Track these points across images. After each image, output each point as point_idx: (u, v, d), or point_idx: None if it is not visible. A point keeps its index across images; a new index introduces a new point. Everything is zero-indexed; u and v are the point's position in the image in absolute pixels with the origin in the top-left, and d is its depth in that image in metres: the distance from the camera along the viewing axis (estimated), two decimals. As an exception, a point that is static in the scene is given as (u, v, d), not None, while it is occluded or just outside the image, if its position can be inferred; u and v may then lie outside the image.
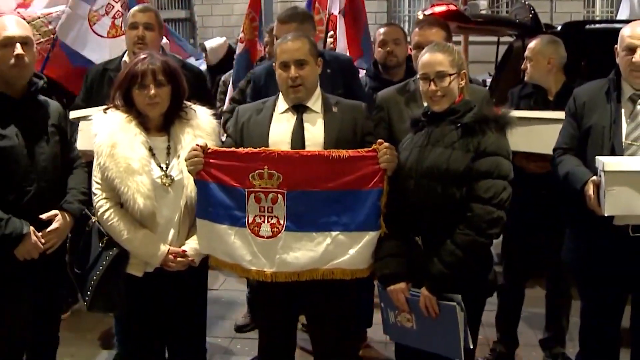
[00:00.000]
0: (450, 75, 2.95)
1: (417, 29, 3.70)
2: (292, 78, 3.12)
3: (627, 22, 3.47)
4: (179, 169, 3.11)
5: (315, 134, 3.15)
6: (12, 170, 3.02)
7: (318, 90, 3.27)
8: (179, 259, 3.09)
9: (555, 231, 3.91)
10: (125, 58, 4.07)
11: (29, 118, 3.12)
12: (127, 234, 3.04)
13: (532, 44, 4.24)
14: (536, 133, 3.65)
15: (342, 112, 3.21)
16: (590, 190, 3.08)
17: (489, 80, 7.33)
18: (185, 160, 3.02)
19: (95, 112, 3.24)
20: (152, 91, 3.03)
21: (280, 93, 3.26)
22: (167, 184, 3.09)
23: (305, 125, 3.17)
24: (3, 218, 2.94)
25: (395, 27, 4.55)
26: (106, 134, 3.07)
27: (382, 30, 4.45)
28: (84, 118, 3.42)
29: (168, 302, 3.18)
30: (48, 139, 3.18)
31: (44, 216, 3.07)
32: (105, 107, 3.19)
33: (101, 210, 3.07)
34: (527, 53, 4.21)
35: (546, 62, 4.15)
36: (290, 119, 3.19)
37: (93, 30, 5.07)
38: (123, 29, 4.92)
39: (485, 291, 3.13)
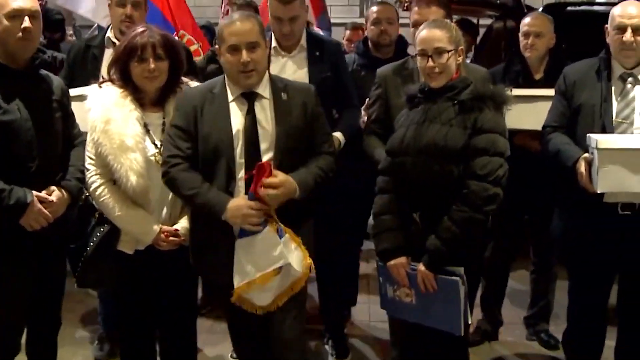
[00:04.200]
0: (448, 51, 2.96)
1: (416, 8, 3.69)
2: (244, 63, 2.87)
3: (608, 4, 3.49)
4: None
5: (266, 126, 2.96)
6: (13, 145, 2.93)
7: (267, 74, 3.06)
8: (170, 237, 3.05)
9: (543, 210, 3.97)
10: (109, 34, 4.00)
11: (32, 92, 3.01)
12: (118, 211, 3.00)
13: (537, 20, 4.15)
14: (540, 111, 3.63)
15: (291, 98, 3.02)
16: (582, 167, 3.12)
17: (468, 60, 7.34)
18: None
19: (86, 91, 3.19)
20: (152, 65, 2.99)
21: (226, 79, 3.03)
22: (160, 162, 3.01)
23: (257, 115, 2.96)
24: (5, 189, 2.86)
25: (389, 6, 4.52)
26: (100, 109, 3.03)
27: (374, 8, 4.43)
28: (75, 98, 3.34)
29: (158, 280, 3.16)
30: (51, 114, 3.08)
31: (40, 194, 2.97)
32: (100, 81, 3.14)
33: (94, 186, 3.04)
34: (533, 28, 4.10)
35: (550, 39, 4.13)
36: (241, 108, 2.97)
37: None
38: None
39: (481, 268, 3.15)
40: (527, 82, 4.08)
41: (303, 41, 3.89)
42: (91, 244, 3.05)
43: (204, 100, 2.96)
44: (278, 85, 3.03)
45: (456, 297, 2.91)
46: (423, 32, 3.03)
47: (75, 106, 3.28)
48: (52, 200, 2.99)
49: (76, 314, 4.76)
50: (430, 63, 2.96)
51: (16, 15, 2.91)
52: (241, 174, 2.91)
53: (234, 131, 2.91)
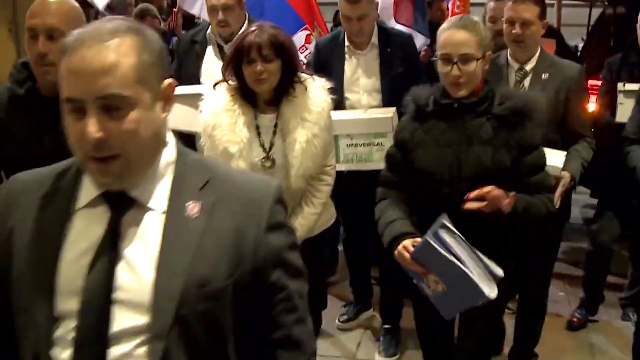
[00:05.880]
0: (477, 59, 2.60)
1: (510, 3, 3.45)
2: (89, 141, 1.35)
3: None
4: (283, 151, 3.01)
5: (140, 282, 1.41)
6: None
7: (172, 150, 1.53)
8: None
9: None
10: (209, 32, 3.96)
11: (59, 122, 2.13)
12: None
13: None
14: None
15: (214, 213, 1.47)
16: None
17: (581, 45, 7.20)
18: None
19: (202, 90, 3.20)
20: (259, 67, 2.89)
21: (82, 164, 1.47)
22: (268, 166, 3.02)
23: (126, 252, 1.43)
24: None
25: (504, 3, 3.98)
26: (209, 114, 3.03)
27: (492, 5, 4.32)
28: (190, 97, 3.30)
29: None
30: None
31: None
32: (215, 82, 3.11)
33: None
34: None
35: None
36: (95, 226, 1.45)
37: None
38: None
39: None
40: None
41: (374, 39, 3.89)
42: None
43: (35, 201, 1.50)
44: (189, 181, 1.49)
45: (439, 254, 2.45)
46: (446, 33, 2.63)
47: (186, 106, 3.24)
48: None
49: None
50: (456, 72, 2.58)
51: (32, 34, 2.40)
52: None
53: (62, 279, 1.42)
